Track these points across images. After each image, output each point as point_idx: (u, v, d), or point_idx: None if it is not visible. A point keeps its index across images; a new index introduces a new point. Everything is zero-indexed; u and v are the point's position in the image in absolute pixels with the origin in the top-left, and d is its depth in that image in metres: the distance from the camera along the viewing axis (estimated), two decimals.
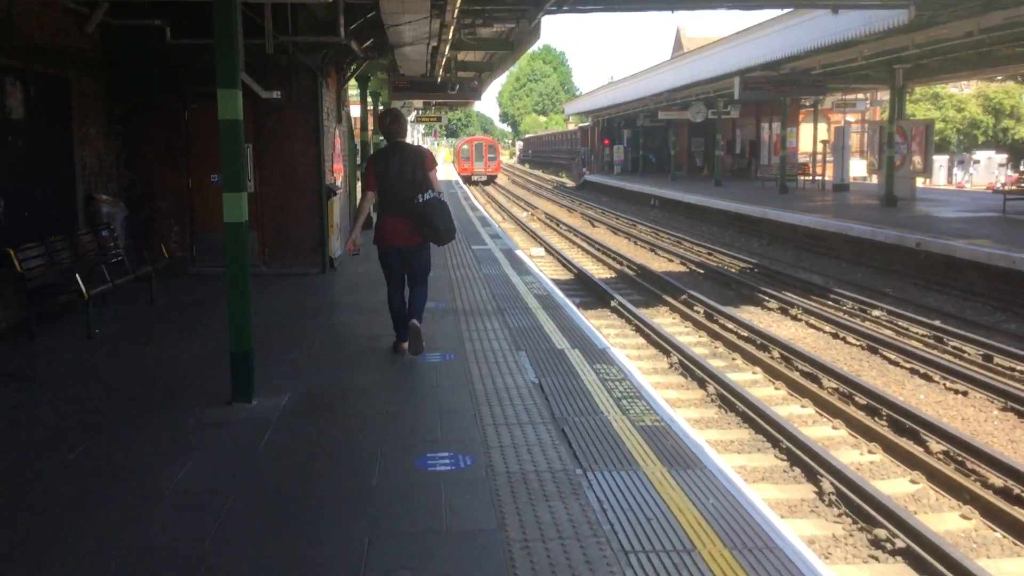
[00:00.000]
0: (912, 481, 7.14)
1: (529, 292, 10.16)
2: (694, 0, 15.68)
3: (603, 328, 13.12)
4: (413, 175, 7.19)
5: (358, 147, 18.83)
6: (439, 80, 20.99)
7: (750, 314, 13.85)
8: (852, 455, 7.75)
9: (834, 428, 8.46)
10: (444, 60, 17.57)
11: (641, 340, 12.31)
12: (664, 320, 13.69)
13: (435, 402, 5.92)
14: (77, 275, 8.35)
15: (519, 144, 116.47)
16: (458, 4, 10.93)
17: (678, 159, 43.47)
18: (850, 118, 43.32)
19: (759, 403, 8.74)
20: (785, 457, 7.60)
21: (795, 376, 9.94)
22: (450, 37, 13.60)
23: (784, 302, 14.21)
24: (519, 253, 14.02)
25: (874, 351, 11.17)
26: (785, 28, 20.40)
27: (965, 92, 54.96)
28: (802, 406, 9.14)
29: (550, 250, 21.84)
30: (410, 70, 19.64)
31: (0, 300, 8.40)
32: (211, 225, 11.76)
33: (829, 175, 31.27)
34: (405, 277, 7.57)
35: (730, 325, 12.77)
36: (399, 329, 7.58)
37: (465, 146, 55.83)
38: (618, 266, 18.98)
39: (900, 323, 12.57)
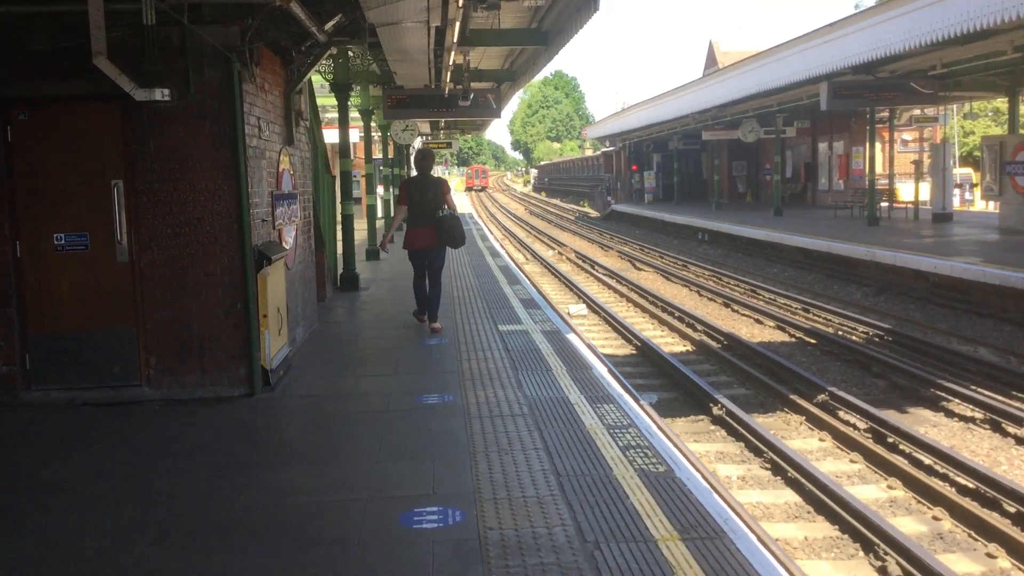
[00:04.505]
0: None
1: (627, 465, 5.08)
2: None
3: (713, 459, 8.13)
4: (434, 198, 9.76)
5: (335, 181, 13.89)
6: (447, 93, 16.13)
7: (942, 430, 8.84)
8: None
9: None
10: (452, 59, 12.73)
11: (792, 496, 7.30)
12: (809, 444, 8.65)
13: None
14: None
15: (533, 172, 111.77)
16: None
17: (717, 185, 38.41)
18: (906, 136, 38.43)
19: None
20: None
21: None
22: (460, 8, 8.77)
23: (983, 406, 9.19)
24: (578, 346, 8.95)
25: None
26: (897, 16, 15.47)
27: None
28: None
29: (593, 306, 16.84)
30: (409, 77, 14.82)
31: None
32: (58, 318, 6.86)
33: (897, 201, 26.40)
34: (426, 272, 9.85)
35: (927, 459, 7.81)
36: (420, 304, 10.04)
37: (469, 171, 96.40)
38: (691, 331, 13.95)
39: None
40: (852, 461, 8.14)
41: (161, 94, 6.61)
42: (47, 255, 6.79)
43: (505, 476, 4.85)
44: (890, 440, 8.41)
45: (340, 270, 13.47)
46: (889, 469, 7.76)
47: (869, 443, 8.35)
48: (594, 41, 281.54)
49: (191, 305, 6.89)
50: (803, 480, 7.44)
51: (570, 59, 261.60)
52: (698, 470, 5.32)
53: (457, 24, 9.60)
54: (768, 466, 7.97)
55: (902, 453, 8.12)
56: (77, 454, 5.67)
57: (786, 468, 7.76)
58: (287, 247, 8.21)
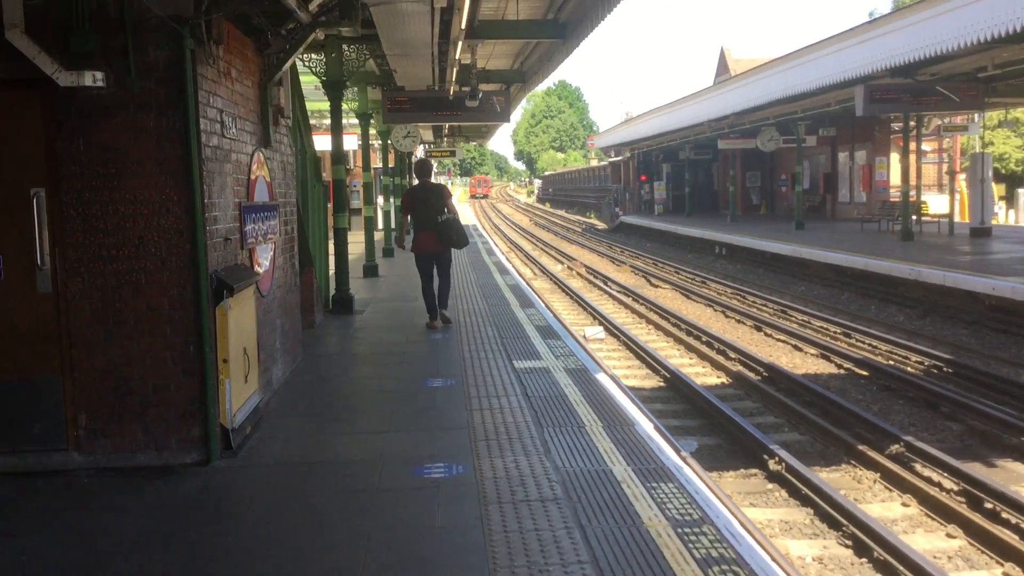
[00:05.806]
0: None
1: None
2: None
3: (778, 530, 6.66)
4: (436, 203, 10.20)
5: (327, 188, 12.42)
6: (452, 95, 14.71)
7: None
8: None
9: None
10: (459, 55, 11.31)
11: None
12: (891, 510, 7.18)
13: None
14: None
15: (537, 182, 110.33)
16: None
17: (725, 195, 36.87)
18: (925, 146, 37.04)
19: None
20: None
21: None
22: None
23: None
24: (612, 391, 7.45)
25: None
26: (954, 8, 14.03)
27: None
28: None
29: (611, 328, 15.38)
30: (411, 76, 13.48)
31: None
32: None
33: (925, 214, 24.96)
34: (435, 273, 10.34)
35: None
36: (431, 311, 10.47)
37: (472, 180, 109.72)
38: (723, 360, 12.48)
39: None
40: (950, 536, 6.66)
41: (92, 78, 5.18)
42: None
43: None
44: (988, 506, 6.95)
45: (332, 291, 12.00)
46: (999, 548, 6.29)
47: (964, 510, 6.89)
48: (598, 50, 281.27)
49: (131, 348, 5.42)
50: (896, 564, 5.98)
51: (573, 69, 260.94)
52: None
53: (466, 7, 8.19)
54: (849, 542, 6.50)
55: (1008, 524, 6.66)
56: None
57: (871, 546, 6.29)
58: (260, 270, 6.74)
